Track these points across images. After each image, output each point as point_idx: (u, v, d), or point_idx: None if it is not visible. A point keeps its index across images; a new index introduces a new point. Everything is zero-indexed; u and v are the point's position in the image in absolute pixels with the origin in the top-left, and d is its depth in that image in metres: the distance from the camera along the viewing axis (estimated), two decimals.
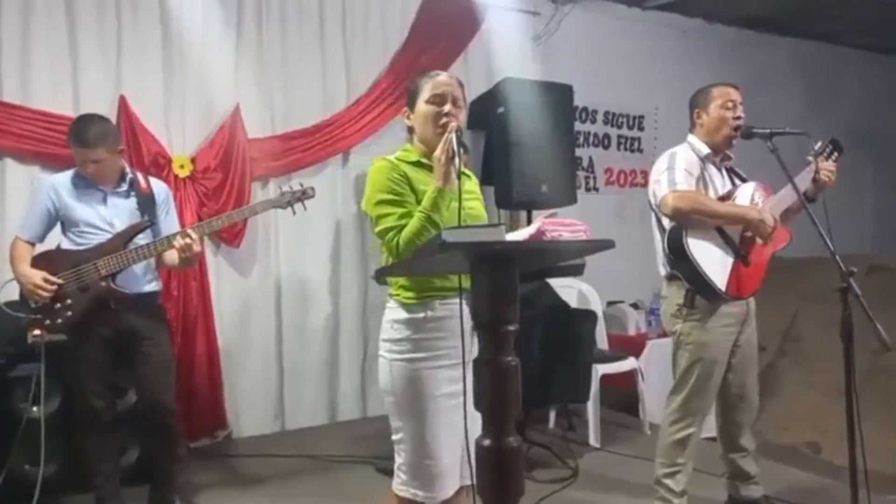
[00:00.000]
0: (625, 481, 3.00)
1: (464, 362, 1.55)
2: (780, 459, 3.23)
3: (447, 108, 1.70)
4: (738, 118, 2.42)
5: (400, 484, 1.72)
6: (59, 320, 2.39)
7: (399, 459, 1.73)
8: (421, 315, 1.68)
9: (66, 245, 2.47)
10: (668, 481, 2.44)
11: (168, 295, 3.27)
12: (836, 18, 5.28)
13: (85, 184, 2.50)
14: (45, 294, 2.36)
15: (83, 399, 2.49)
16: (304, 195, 2.64)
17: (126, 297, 2.43)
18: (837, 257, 1.88)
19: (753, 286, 2.42)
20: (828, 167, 2.37)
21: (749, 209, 2.38)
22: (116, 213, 2.49)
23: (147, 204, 2.52)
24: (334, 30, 3.94)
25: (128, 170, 2.59)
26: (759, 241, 2.37)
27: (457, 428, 1.61)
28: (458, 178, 1.59)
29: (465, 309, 1.64)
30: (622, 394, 3.85)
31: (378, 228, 1.70)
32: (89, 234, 2.44)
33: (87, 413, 2.48)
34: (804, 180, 2.36)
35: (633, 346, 3.93)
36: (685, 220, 2.35)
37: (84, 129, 2.42)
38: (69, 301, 2.39)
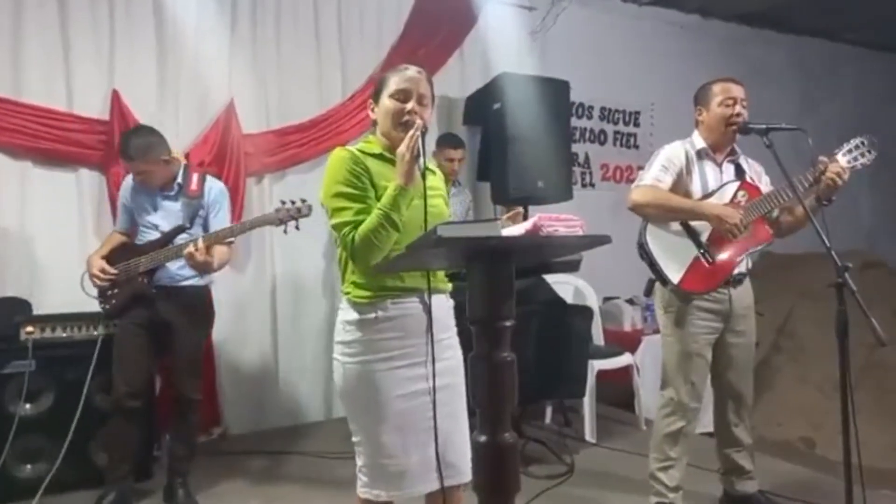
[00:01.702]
0: (621, 477, 3.00)
1: (433, 361, 1.54)
2: (775, 454, 3.24)
3: (410, 105, 1.65)
4: (738, 115, 2.40)
5: (362, 486, 1.68)
6: (107, 306, 2.68)
7: (359, 462, 1.69)
8: (372, 316, 1.63)
9: (137, 240, 2.72)
10: (661, 475, 2.45)
11: None
12: (834, 14, 5.28)
13: (142, 186, 2.68)
14: (97, 282, 2.65)
15: (113, 382, 2.63)
16: (298, 213, 2.50)
17: (155, 295, 2.63)
18: (833, 253, 1.88)
19: (715, 282, 2.39)
20: (835, 168, 2.25)
21: (706, 205, 2.37)
22: (164, 215, 2.67)
23: (192, 207, 2.66)
24: (330, 24, 3.92)
25: (181, 174, 2.69)
26: (729, 237, 2.34)
27: (425, 427, 1.59)
28: (424, 177, 1.55)
29: (421, 307, 1.64)
30: (618, 389, 3.85)
31: (334, 222, 1.63)
32: (144, 233, 2.70)
33: (113, 396, 2.63)
34: (804, 180, 2.30)
35: (628, 342, 3.94)
36: (643, 214, 2.43)
37: (126, 144, 2.61)
38: (117, 290, 2.66)
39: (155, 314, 2.64)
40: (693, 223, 2.40)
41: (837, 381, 1.86)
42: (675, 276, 2.37)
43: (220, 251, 2.60)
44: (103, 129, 3.34)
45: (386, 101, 1.69)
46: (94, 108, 3.36)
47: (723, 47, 5.10)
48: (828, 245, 1.91)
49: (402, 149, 1.57)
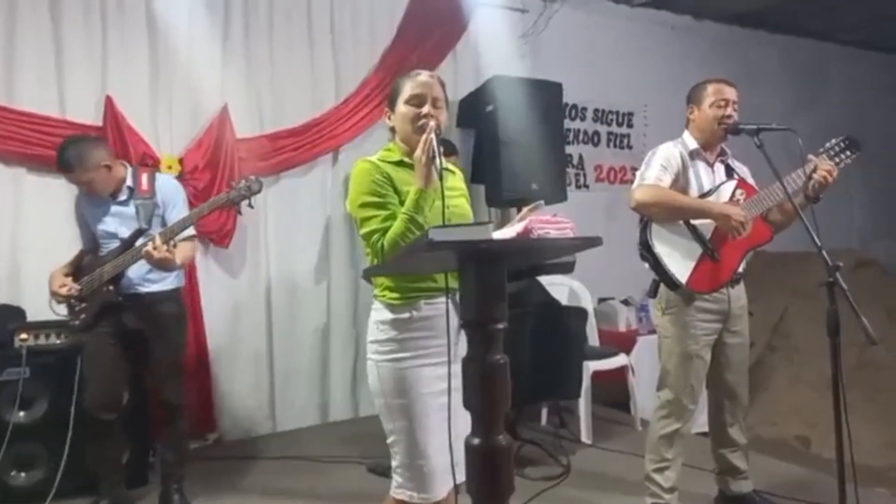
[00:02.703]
0: (617, 477, 3.01)
1: (449, 361, 1.54)
2: (770, 454, 3.25)
3: (426, 109, 1.70)
4: (729, 116, 2.42)
5: (397, 487, 1.71)
6: (77, 321, 2.61)
7: (395, 462, 1.72)
8: (406, 315, 1.68)
9: (101, 252, 2.63)
10: (657, 476, 2.46)
11: None
12: (825, 15, 5.31)
13: (93, 197, 2.60)
14: (59, 299, 2.59)
15: (87, 395, 2.60)
16: (249, 191, 2.41)
17: (122, 304, 2.57)
18: (824, 252, 1.89)
19: (719, 281, 2.40)
20: (825, 167, 2.28)
21: (712, 204, 2.38)
22: (122, 222, 2.58)
23: (147, 207, 2.59)
24: (322, 28, 3.92)
25: (129, 177, 2.63)
26: (731, 236, 2.35)
27: (444, 427, 1.59)
28: (441, 178, 1.58)
29: (453, 308, 1.64)
30: (613, 390, 3.86)
31: (363, 231, 1.70)
32: (105, 243, 2.61)
33: (88, 409, 2.59)
34: (798, 178, 2.32)
35: (623, 343, 3.95)
36: (647, 213, 2.41)
37: (60, 155, 2.53)
38: (84, 304, 2.59)
39: (124, 323, 2.59)
40: (695, 222, 2.40)
41: (831, 379, 1.87)
42: (682, 276, 2.37)
43: (182, 247, 2.52)
44: (97, 136, 3.33)
45: (402, 108, 1.74)
46: (88, 114, 3.35)
47: (715, 48, 5.13)
48: (819, 244, 1.92)
49: (417, 153, 1.61)
